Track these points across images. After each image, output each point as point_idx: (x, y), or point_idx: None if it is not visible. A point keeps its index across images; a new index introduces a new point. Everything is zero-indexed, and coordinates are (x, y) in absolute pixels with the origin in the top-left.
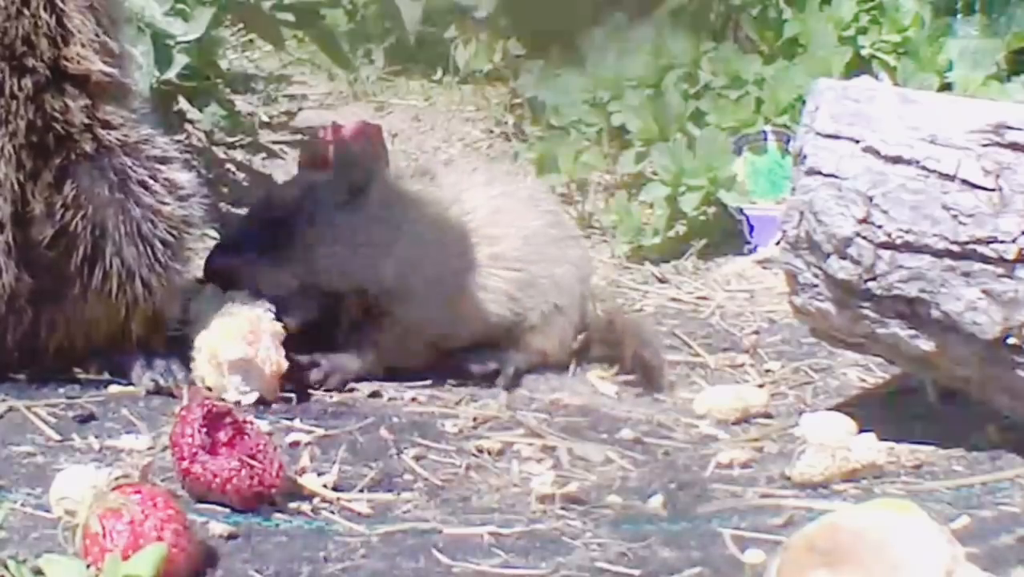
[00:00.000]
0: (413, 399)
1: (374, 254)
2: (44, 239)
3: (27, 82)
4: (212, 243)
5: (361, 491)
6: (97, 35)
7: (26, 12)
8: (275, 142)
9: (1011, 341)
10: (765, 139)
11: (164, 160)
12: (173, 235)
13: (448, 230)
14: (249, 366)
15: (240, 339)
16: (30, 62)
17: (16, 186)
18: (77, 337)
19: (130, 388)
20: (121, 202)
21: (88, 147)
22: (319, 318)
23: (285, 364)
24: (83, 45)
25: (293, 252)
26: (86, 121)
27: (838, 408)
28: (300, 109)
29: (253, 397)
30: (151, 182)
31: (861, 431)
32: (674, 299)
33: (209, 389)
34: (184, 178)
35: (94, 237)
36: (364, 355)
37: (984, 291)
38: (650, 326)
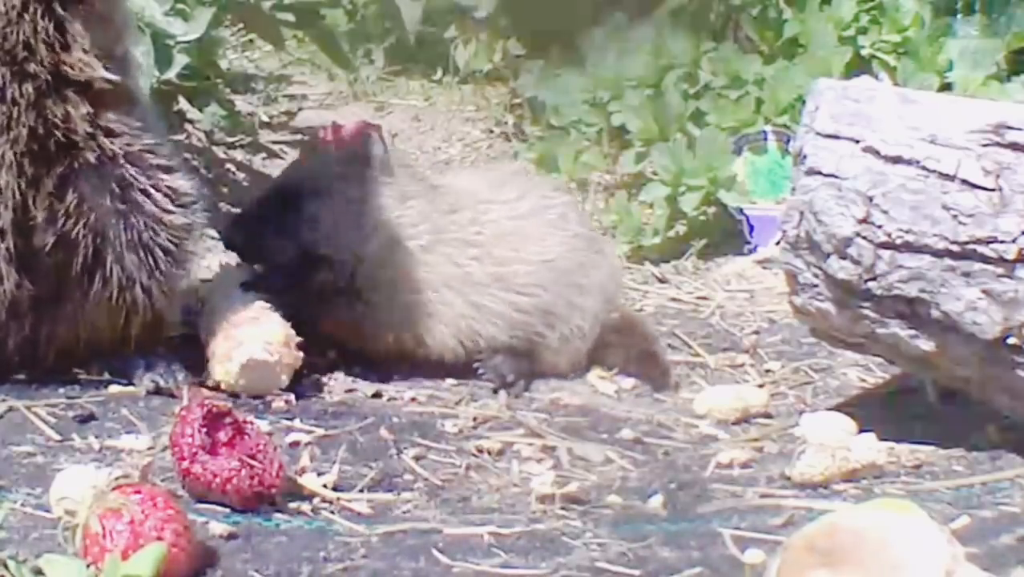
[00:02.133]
0: (413, 399)
1: (362, 225)
2: (46, 246)
3: (28, 88)
4: (212, 244)
5: (361, 491)
6: (99, 41)
7: (26, 17)
8: (275, 142)
9: (1011, 341)
10: (765, 139)
11: (167, 168)
12: (174, 242)
13: (438, 233)
14: (261, 365)
15: (234, 347)
16: (31, 67)
17: (18, 193)
18: (78, 343)
19: (130, 388)
20: (123, 211)
21: (91, 155)
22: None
23: (286, 328)
24: (85, 51)
25: (296, 220)
26: (88, 129)
27: (838, 408)
28: (300, 109)
29: (287, 377)
30: (153, 191)
31: (861, 431)
32: (674, 299)
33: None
34: (187, 185)
35: (95, 244)
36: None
37: (984, 291)
38: (652, 326)
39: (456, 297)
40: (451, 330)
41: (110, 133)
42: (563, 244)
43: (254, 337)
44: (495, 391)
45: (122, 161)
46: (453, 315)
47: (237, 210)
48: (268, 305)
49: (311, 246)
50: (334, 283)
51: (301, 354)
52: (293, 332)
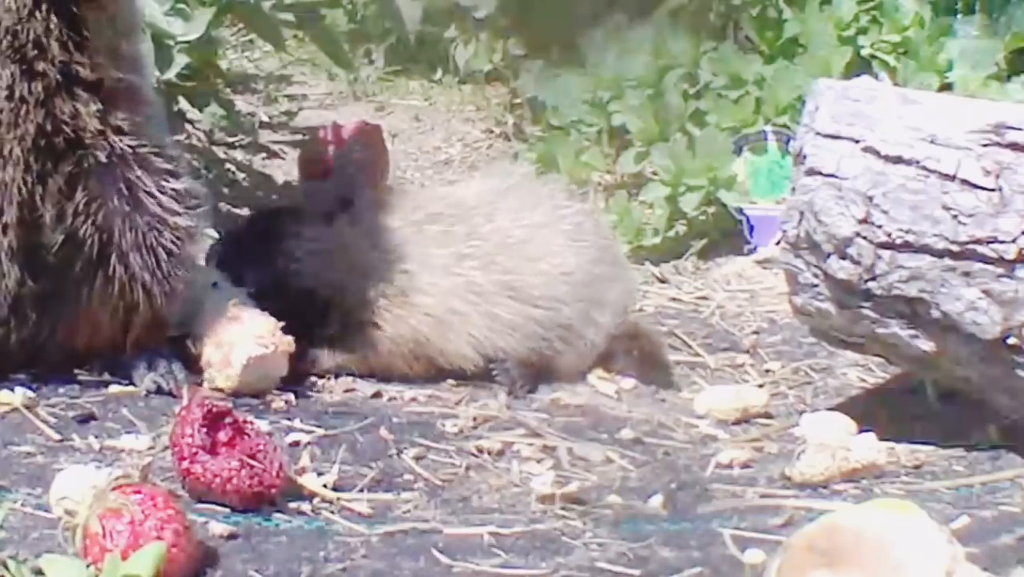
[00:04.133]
0: (413, 399)
1: (347, 264)
2: (53, 244)
3: (37, 86)
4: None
5: (361, 491)
6: (111, 41)
7: (38, 15)
8: (275, 142)
9: (1011, 341)
10: (765, 139)
11: (174, 171)
12: (178, 245)
13: (440, 248)
14: (260, 360)
15: (228, 352)
16: (40, 66)
17: (24, 190)
18: (79, 340)
19: (130, 388)
20: (129, 211)
21: (100, 154)
22: (306, 317)
23: (267, 317)
24: (96, 50)
25: (276, 250)
26: (98, 127)
27: (838, 408)
28: (300, 109)
29: (287, 363)
30: (158, 192)
31: (861, 431)
32: (674, 299)
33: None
34: (193, 188)
35: (100, 244)
36: (338, 354)
37: (984, 291)
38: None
39: (468, 307)
40: (465, 341)
41: (119, 131)
42: (578, 256)
43: (243, 336)
44: (508, 393)
45: (130, 160)
46: (466, 325)
47: (240, 217)
48: (240, 300)
49: (293, 280)
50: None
51: (291, 338)
52: (274, 319)
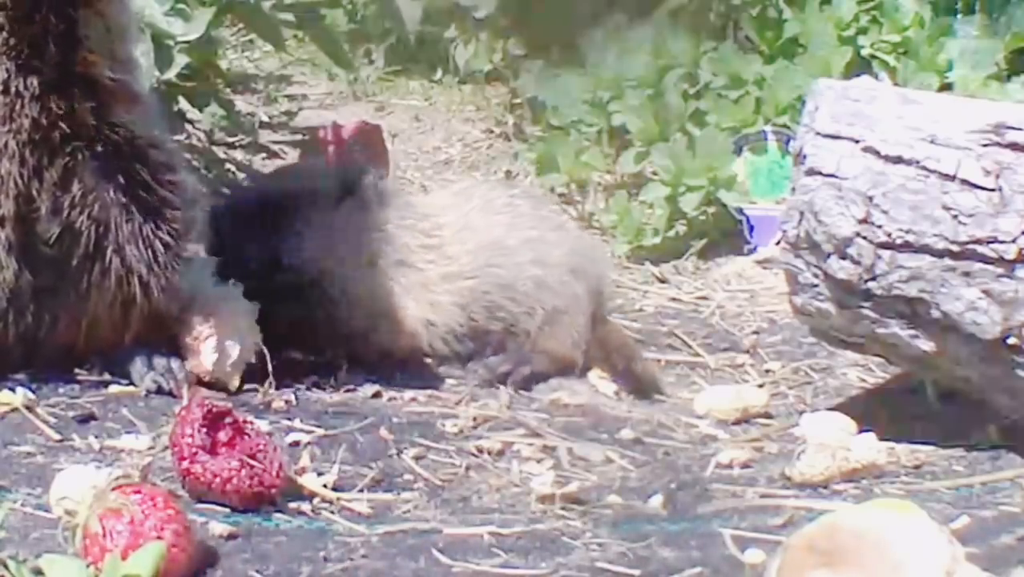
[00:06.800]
0: (413, 399)
1: (349, 249)
2: (50, 237)
3: (33, 81)
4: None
5: (361, 491)
6: (106, 41)
7: (36, 16)
8: (275, 142)
9: (1011, 341)
10: (765, 139)
11: (170, 164)
12: (174, 237)
13: (407, 252)
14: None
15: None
16: (36, 62)
17: (20, 183)
18: (78, 334)
19: (130, 388)
20: (125, 204)
21: (96, 148)
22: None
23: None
24: (91, 51)
25: (279, 227)
26: (93, 123)
27: (838, 408)
28: (300, 109)
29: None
30: (155, 186)
31: (861, 431)
32: (674, 299)
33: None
34: (188, 182)
35: (97, 236)
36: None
37: (984, 291)
38: (631, 340)
39: (411, 301)
40: (409, 331)
41: (114, 127)
42: (504, 225)
43: (214, 349)
44: (495, 385)
45: (126, 153)
46: (410, 318)
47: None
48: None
49: (278, 255)
50: (295, 290)
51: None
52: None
